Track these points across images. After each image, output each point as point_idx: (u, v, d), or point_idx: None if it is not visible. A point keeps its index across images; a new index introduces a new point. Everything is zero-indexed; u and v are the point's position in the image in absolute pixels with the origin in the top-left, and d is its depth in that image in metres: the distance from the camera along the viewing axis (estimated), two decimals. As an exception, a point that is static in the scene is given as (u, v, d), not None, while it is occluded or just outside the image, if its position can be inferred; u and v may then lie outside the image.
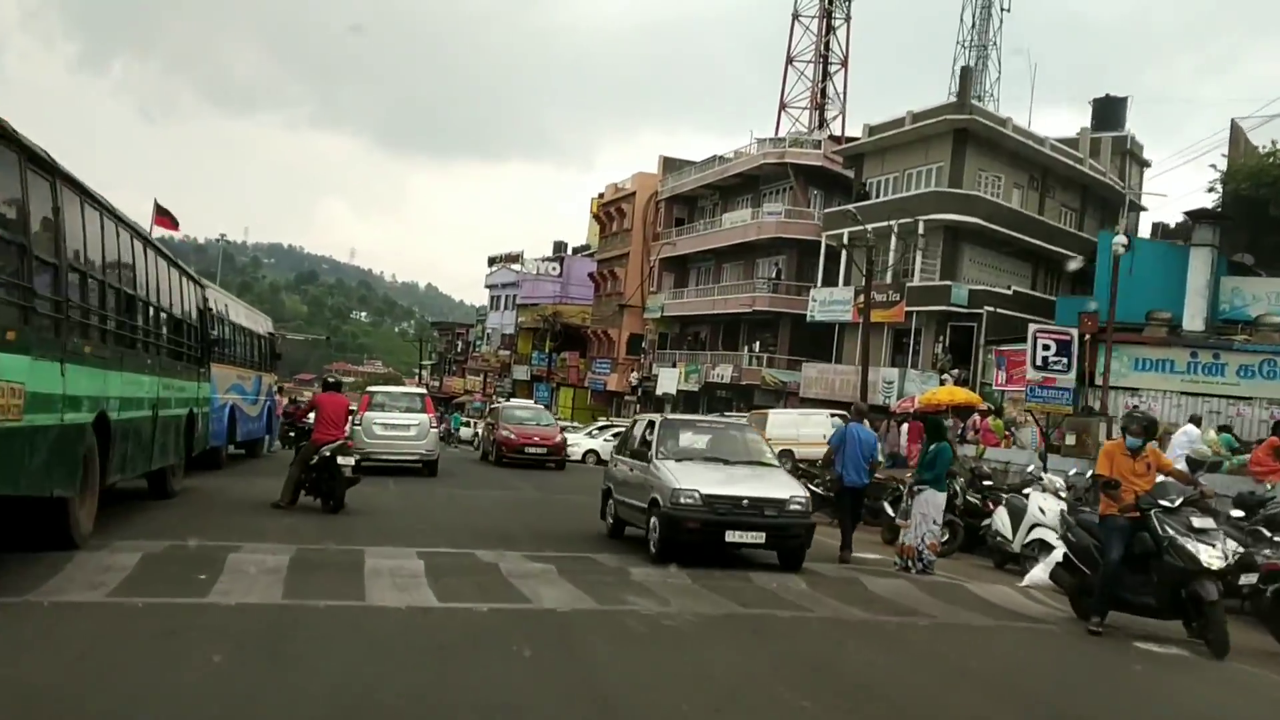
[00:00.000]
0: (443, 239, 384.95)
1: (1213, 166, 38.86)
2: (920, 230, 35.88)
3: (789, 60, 49.99)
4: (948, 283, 35.35)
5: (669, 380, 49.79)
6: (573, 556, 11.46)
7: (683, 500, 11.34)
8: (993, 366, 34.97)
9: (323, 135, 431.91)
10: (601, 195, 73.27)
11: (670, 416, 14.25)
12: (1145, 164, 46.56)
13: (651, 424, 13.22)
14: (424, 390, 33.37)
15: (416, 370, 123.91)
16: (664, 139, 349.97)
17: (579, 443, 40.69)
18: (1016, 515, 13.85)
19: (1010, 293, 36.44)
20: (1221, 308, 32.84)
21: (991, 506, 15.41)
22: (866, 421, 16.73)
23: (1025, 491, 15.58)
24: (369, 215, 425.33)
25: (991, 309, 35.03)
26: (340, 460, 14.59)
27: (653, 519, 11.77)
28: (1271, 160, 36.68)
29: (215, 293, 21.09)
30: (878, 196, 39.14)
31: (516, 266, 74.47)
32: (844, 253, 39.87)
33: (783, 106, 50.23)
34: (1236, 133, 38.28)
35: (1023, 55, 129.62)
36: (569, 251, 76.55)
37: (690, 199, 55.12)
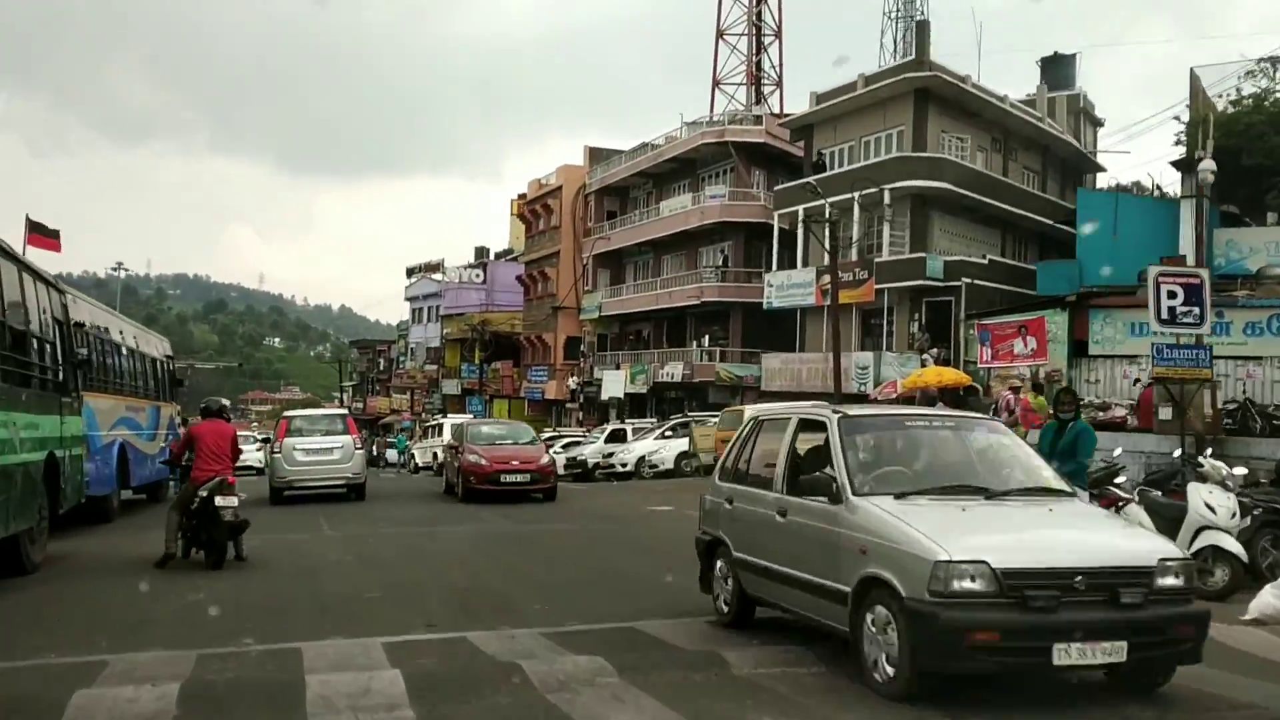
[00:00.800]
0: (353, 259, 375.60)
1: (1177, 119, 36.66)
2: (886, 200, 32.70)
3: (719, 34, 46.65)
4: (921, 254, 32.20)
5: (614, 383, 46.08)
6: (616, 630, 7.68)
7: (960, 584, 5.53)
8: (975, 342, 31.94)
9: (222, 160, 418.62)
10: (523, 196, 69.43)
11: (851, 412, 7.77)
12: (1099, 123, 44.21)
13: (814, 425, 7.54)
14: (345, 411, 29.24)
15: (337, 393, 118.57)
16: (571, 145, 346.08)
17: (526, 457, 36.94)
18: (1165, 516, 10.45)
19: (986, 262, 33.46)
20: (1217, 262, 30.09)
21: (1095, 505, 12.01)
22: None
23: (1118, 481, 12.26)
24: (276, 239, 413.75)
25: (969, 280, 31.98)
26: (219, 502, 11.24)
27: (887, 622, 5.85)
28: (1241, 109, 34.44)
29: (88, 305, 16.91)
30: (834, 168, 35.88)
31: (438, 276, 70.09)
32: (801, 231, 36.55)
33: (716, 84, 46.93)
34: (1196, 84, 35.99)
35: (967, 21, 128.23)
36: (491, 257, 72.40)
37: (621, 190, 51.50)
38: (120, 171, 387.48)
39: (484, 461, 20.75)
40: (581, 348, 51.59)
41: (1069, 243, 38.34)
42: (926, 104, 33.02)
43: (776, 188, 38.73)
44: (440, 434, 37.41)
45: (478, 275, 68.00)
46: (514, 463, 20.80)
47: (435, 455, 37.36)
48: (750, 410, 30.51)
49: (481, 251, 73.44)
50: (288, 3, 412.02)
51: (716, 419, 30.37)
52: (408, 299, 76.53)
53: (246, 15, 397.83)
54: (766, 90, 46.25)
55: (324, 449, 21.18)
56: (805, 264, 36.59)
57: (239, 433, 29.83)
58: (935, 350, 32.09)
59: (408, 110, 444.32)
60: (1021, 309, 31.66)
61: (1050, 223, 37.05)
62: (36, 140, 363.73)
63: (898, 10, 58.98)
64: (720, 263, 42.62)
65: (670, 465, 29.92)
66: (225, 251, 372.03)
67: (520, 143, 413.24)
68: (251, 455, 40.15)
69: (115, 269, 74.80)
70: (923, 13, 58.71)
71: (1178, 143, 35.87)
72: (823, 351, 34.72)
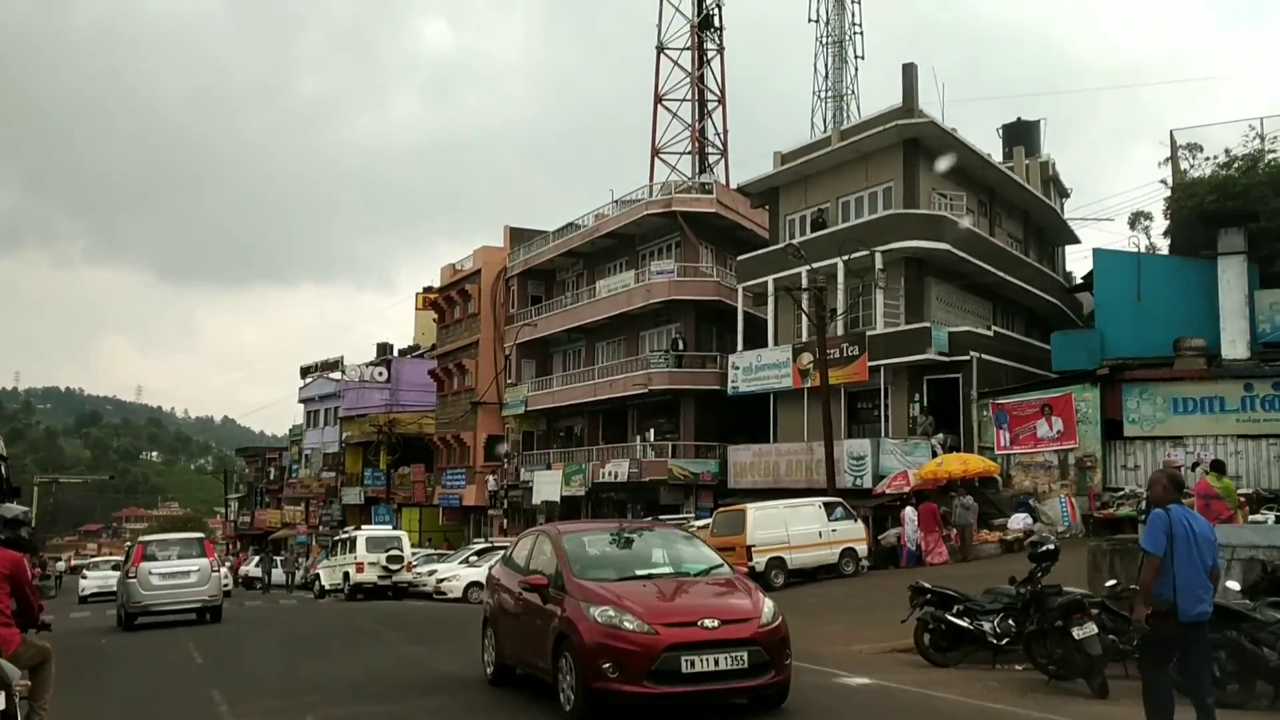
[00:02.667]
0: (238, 370, 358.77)
1: (1163, 183, 33.52)
2: (879, 264, 28.13)
3: (658, 99, 42.33)
4: (924, 324, 27.59)
5: (548, 485, 40.14)
6: None
7: None
8: (989, 425, 27.28)
9: (98, 270, 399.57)
10: (429, 289, 63.86)
11: None
12: (1066, 193, 40.93)
13: None
14: (202, 535, 26.93)
15: (221, 508, 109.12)
16: (462, 250, 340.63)
17: (455, 574, 30.79)
18: None
19: (991, 334, 29.05)
20: (1261, 328, 26.23)
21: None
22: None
23: None
24: (155, 351, 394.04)
25: (977, 355, 27.45)
26: None
27: None
28: (1235, 171, 31.10)
29: None
30: (803, 234, 31.30)
31: (336, 375, 63.38)
32: (771, 305, 31.79)
33: (655, 153, 42.42)
34: (1174, 148, 32.89)
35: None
36: (395, 353, 66.10)
37: (547, 272, 46.36)
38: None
39: (637, 624, 8.21)
40: (504, 447, 45.64)
41: (1057, 316, 34.47)
42: (917, 157, 28.85)
43: (741, 257, 33.98)
44: (352, 549, 31.05)
45: (381, 373, 61.55)
46: (706, 622, 8.27)
47: (346, 576, 30.91)
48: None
49: (384, 348, 67.04)
50: (166, 112, 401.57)
51: (704, 522, 24.89)
52: (302, 401, 69.31)
53: (124, 124, 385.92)
54: (711, 159, 42.03)
55: (180, 572, 20.52)
56: (776, 342, 31.74)
57: (190, 536, 24.19)
58: (942, 435, 27.36)
59: (291, 218, 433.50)
60: (1042, 385, 27.23)
61: (1041, 294, 33.11)
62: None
63: (827, 90, 55.94)
64: (672, 346, 37.51)
65: (648, 581, 24.22)
66: (101, 364, 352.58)
67: (408, 250, 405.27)
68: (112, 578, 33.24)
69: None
70: (853, 92, 55.87)
71: (1166, 209, 32.52)
72: (804, 441, 29.75)
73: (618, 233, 40.30)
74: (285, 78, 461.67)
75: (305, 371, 66.90)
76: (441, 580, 30.44)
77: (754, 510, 22.16)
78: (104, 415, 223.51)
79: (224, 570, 30.23)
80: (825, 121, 55.09)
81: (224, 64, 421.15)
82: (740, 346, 33.01)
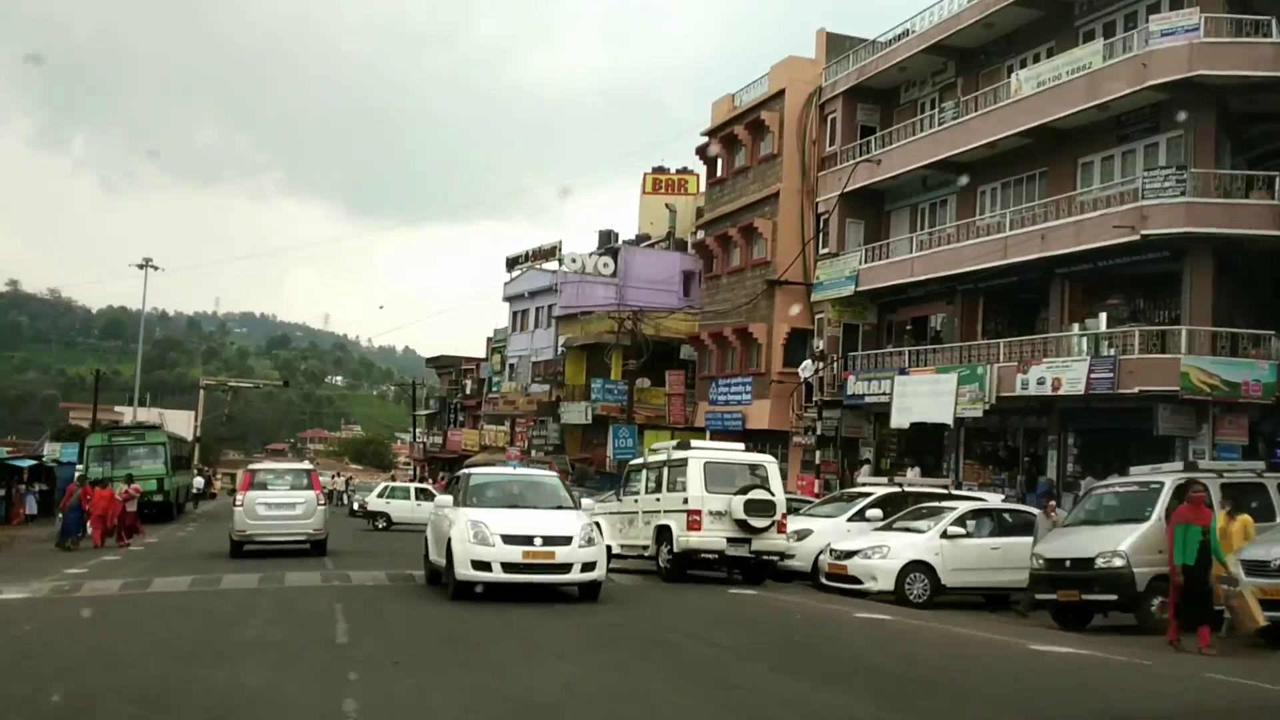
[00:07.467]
0: (417, 303, 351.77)
1: None
2: None
3: None
4: None
5: (929, 399, 24.15)
6: None
7: None
8: None
9: (290, 202, 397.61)
10: (659, 172, 48.69)
11: None
12: None
13: None
14: (310, 465, 23.20)
15: (405, 433, 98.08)
16: (634, 191, 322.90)
17: (883, 544, 15.31)
18: None
19: None
20: None
21: None
22: None
23: None
24: (341, 281, 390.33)
25: None
26: None
27: None
28: None
29: None
30: None
31: (551, 265, 48.55)
32: None
33: None
34: None
35: None
36: (619, 242, 50.74)
37: (886, 92, 30.04)
38: (191, 211, 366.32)
39: None
40: (818, 345, 29.76)
41: None
42: None
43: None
44: (674, 485, 15.71)
45: (606, 265, 46.34)
46: None
47: (664, 533, 15.69)
48: None
49: (608, 236, 51.83)
50: (349, 54, 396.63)
51: None
52: (507, 299, 54.96)
53: (311, 65, 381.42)
54: None
55: (286, 504, 19.52)
56: None
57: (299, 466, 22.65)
58: None
59: (471, 158, 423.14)
60: None
61: None
62: (111, 180, 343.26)
63: None
64: (1180, 163, 20.85)
65: None
66: (291, 291, 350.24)
67: (584, 188, 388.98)
68: None
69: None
70: None
71: None
72: None
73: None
74: (463, 20, 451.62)
75: (512, 263, 52.23)
76: (845, 555, 14.95)
77: None
78: (294, 340, 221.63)
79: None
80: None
81: (402, 7, 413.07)
82: None
